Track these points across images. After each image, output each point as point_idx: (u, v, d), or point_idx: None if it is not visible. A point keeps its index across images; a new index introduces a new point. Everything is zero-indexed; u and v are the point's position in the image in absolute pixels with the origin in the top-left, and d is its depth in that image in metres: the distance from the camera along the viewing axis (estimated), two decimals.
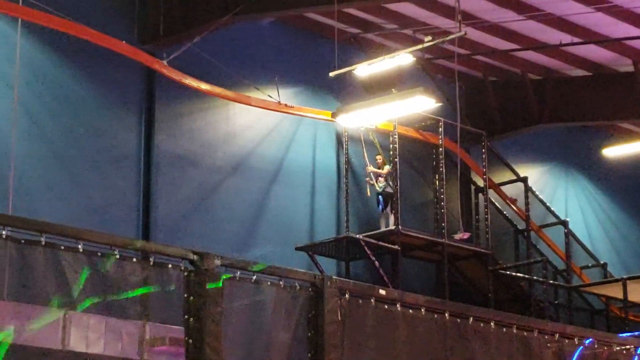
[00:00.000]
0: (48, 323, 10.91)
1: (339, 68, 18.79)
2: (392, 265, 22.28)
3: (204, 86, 20.01)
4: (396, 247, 21.99)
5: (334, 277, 11.70)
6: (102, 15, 19.98)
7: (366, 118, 20.35)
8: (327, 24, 21.00)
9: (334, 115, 20.04)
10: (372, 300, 11.70)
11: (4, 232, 8.68)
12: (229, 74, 20.69)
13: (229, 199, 21.65)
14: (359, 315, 11.55)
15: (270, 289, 10.70)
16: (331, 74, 19.01)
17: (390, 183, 21.99)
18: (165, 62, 19.63)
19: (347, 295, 11.31)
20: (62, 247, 8.99)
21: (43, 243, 8.81)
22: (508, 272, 24.16)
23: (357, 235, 21.96)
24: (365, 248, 21.80)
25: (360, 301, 11.58)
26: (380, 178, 22.01)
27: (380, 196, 22.17)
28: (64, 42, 19.13)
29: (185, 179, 21.00)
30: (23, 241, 8.62)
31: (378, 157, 22.12)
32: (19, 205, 17.67)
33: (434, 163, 23.67)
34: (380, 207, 22.27)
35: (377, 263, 21.80)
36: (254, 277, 10.50)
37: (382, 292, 12.54)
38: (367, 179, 22.36)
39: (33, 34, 19.03)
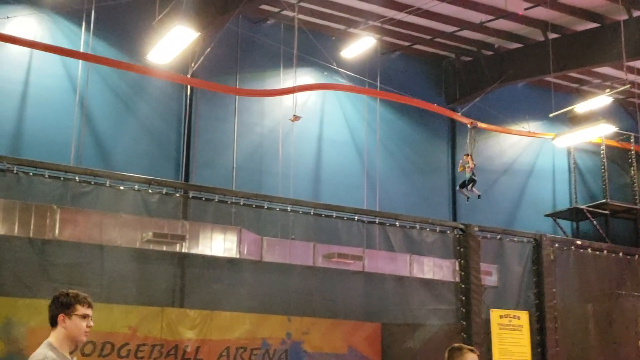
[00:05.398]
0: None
1: (557, 110, 18.31)
2: (605, 223, 21.80)
3: (483, 125, 19.81)
4: (606, 212, 21.59)
5: (547, 234, 11.75)
6: (422, 89, 20.32)
7: (572, 139, 19.27)
8: (554, 82, 20.14)
9: (554, 137, 19.46)
10: (572, 247, 11.87)
11: (355, 217, 9.98)
12: (498, 116, 20.64)
13: (501, 190, 21.39)
14: (564, 256, 11.66)
15: (509, 243, 11.12)
16: (550, 115, 18.59)
17: (474, 172, 18.83)
18: (460, 113, 19.99)
19: (556, 245, 11.45)
20: (387, 224, 10.17)
21: (377, 222, 9.91)
22: None
23: (582, 206, 21.61)
24: (587, 214, 21.41)
25: (565, 248, 11.75)
26: (468, 169, 18.79)
27: (466, 180, 18.93)
28: (402, 106, 19.49)
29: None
30: (366, 221, 9.89)
31: (465, 155, 19.02)
32: (383, 201, 18.66)
33: (629, 160, 22.72)
34: (467, 187, 18.98)
35: (594, 222, 21.46)
36: (498, 237, 11.49)
37: (578, 242, 12.97)
38: (461, 161, 19.17)
39: (387, 104, 19.56)
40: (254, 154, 17.94)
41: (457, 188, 19.33)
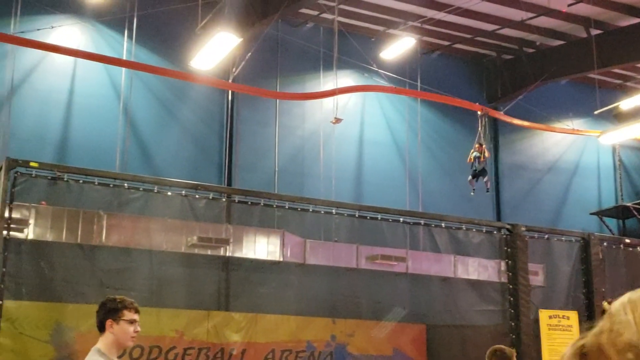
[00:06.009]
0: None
1: (602, 107, 18.15)
2: None
3: (526, 123, 19.62)
4: None
5: (595, 233, 11.76)
6: (463, 88, 20.18)
7: (618, 136, 18.86)
8: (598, 78, 20.25)
9: (600, 135, 18.96)
10: (620, 245, 11.82)
11: (401, 219, 9.96)
12: (541, 114, 20.40)
13: (545, 188, 21.20)
14: (612, 255, 11.59)
15: (556, 243, 11.13)
16: (595, 112, 18.46)
17: (485, 164, 17.27)
18: (502, 112, 19.77)
19: (604, 243, 11.45)
20: (433, 225, 10.15)
21: (422, 223, 9.97)
22: None
23: (628, 203, 21.34)
24: (634, 211, 21.10)
25: (613, 246, 11.73)
26: (482, 160, 17.14)
27: (477, 171, 17.11)
28: (443, 106, 19.27)
29: (519, 177, 20.80)
30: (411, 223, 9.95)
31: (478, 145, 17.35)
32: (426, 201, 18.68)
33: None
34: (477, 179, 17.23)
35: None
36: (546, 236, 11.39)
37: (627, 240, 12.89)
38: (472, 151, 17.43)
39: (427, 104, 19.56)
40: (295, 157, 18.07)
41: (469, 178, 17.70)
